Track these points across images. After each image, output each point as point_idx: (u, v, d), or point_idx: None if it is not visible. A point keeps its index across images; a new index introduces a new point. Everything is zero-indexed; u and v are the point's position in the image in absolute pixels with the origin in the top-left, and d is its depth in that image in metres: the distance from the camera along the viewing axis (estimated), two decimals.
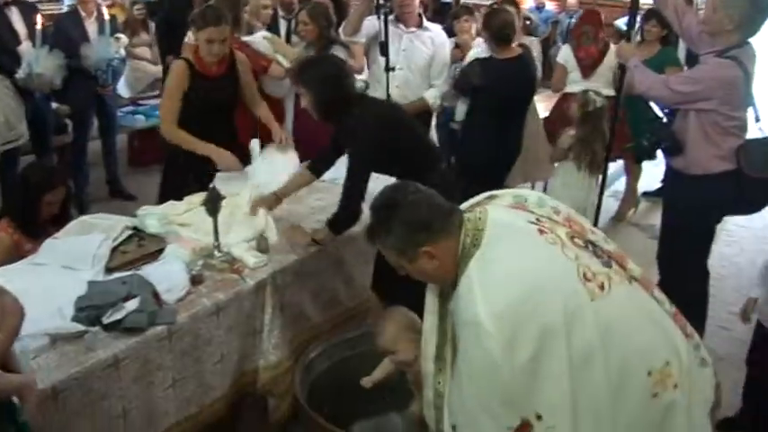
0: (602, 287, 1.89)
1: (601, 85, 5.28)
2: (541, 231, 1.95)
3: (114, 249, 2.95)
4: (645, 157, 5.40)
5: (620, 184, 6.20)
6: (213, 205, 2.95)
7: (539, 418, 1.82)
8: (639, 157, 5.41)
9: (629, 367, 1.86)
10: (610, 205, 5.94)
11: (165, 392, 2.53)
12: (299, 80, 3.18)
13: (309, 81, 3.09)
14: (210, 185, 3.07)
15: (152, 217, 3.17)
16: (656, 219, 5.73)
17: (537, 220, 1.99)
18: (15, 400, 1.78)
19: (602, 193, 4.51)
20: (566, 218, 2.06)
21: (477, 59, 4.59)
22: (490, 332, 1.77)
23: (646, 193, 6.20)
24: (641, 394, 1.88)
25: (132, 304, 2.46)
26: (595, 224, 4.95)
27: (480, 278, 1.86)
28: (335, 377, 2.58)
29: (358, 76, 5.34)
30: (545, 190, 5.18)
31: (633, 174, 5.91)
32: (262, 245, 3.09)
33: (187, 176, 3.63)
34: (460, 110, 4.91)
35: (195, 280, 2.78)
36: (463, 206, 2.09)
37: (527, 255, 1.91)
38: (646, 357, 1.88)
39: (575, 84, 5.52)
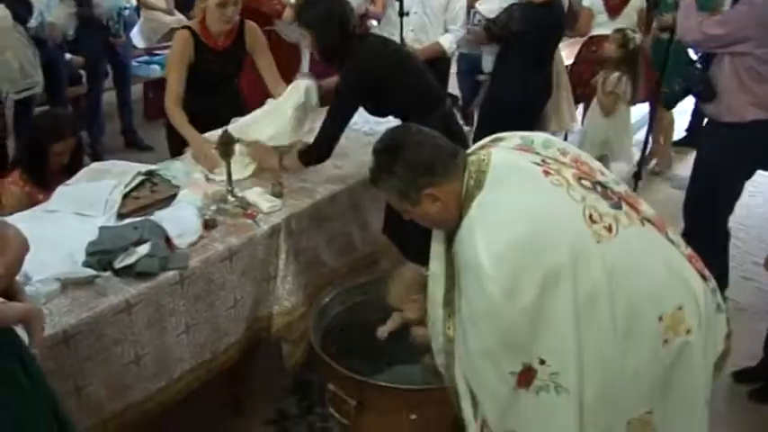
0: (609, 229, 1.83)
1: (625, 26, 5.14)
2: (546, 173, 1.89)
3: (126, 195, 2.90)
4: (673, 103, 5.31)
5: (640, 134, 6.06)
6: (226, 149, 2.90)
7: (542, 362, 1.78)
8: (668, 103, 5.28)
9: (637, 312, 1.80)
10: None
11: (179, 338, 2.50)
12: (300, 20, 3.08)
13: (310, 21, 3.00)
14: (223, 129, 2.99)
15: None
16: (680, 169, 5.69)
17: (542, 161, 1.93)
18: (23, 335, 1.73)
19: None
20: (573, 159, 1.99)
21: (515, 4, 4.49)
22: (490, 274, 1.73)
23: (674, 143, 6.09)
24: (651, 340, 1.82)
25: (144, 249, 2.42)
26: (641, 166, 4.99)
27: (481, 220, 1.81)
28: (349, 322, 2.54)
29: (374, 22, 5.27)
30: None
31: (661, 124, 5.74)
32: (276, 189, 3.03)
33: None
34: (487, 60, 4.83)
35: (208, 225, 2.74)
36: (469, 150, 2.03)
37: (530, 196, 1.85)
38: (656, 301, 1.82)
39: (602, 26, 5.43)
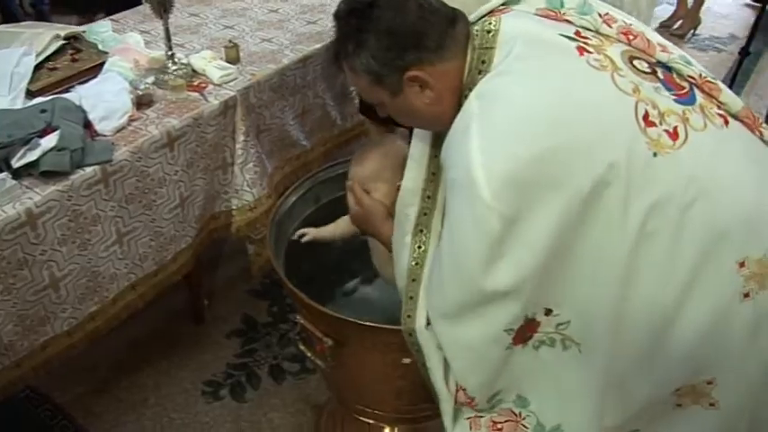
0: (674, 134, 1.23)
1: None
2: (583, 50, 1.28)
3: (40, 66, 2.27)
4: None
5: None
6: (162, 2, 2.25)
7: (548, 312, 1.28)
8: None
9: (708, 253, 1.23)
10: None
11: (109, 251, 1.97)
12: None
13: None
14: None
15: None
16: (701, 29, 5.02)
17: (577, 33, 1.32)
18: None
19: None
20: (623, 30, 1.36)
21: None
22: (487, 200, 1.16)
23: None
24: (724, 292, 1.26)
25: (50, 141, 1.84)
26: None
27: (481, 118, 1.21)
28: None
29: None
30: None
31: None
32: (231, 53, 2.42)
33: None
34: None
35: (141, 102, 2.14)
36: (472, 16, 1.39)
37: (555, 84, 1.24)
38: (740, 239, 1.24)
39: None
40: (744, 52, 3.62)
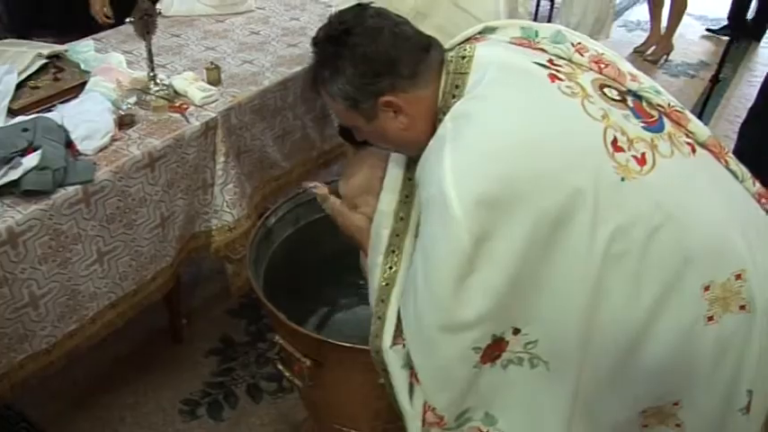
0: (642, 160, 1.27)
1: None
2: (554, 77, 1.33)
3: (22, 85, 2.29)
4: None
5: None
6: (145, 24, 2.28)
7: (516, 332, 1.31)
8: None
9: (675, 278, 1.27)
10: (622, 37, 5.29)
11: (90, 269, 1.98)
12: None
13: None
14: None
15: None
16: (674, 55, 5.14)
17: (550, 62, 1.37)
18: None
19: None
20: (594, 58, 1.42)
21: None
22: (459, 218, 1.20)
23: (710, 30, 5.55)
24: (688, 315, 1.30)
25: (32, 160, 1.86)
26: None
27: (455, 139, 1.25)
28: (302, 246, 2.02)
29: None
30: None
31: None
32: (212, 75, 2.45)
33: None
34: None
35: (123, 122, 2.16)
36: (448, 44, 1.45)
37: (527, 108, 1.29)
38: (705, 264, 1.28)
39: None
40: (714, 79, 3.71)
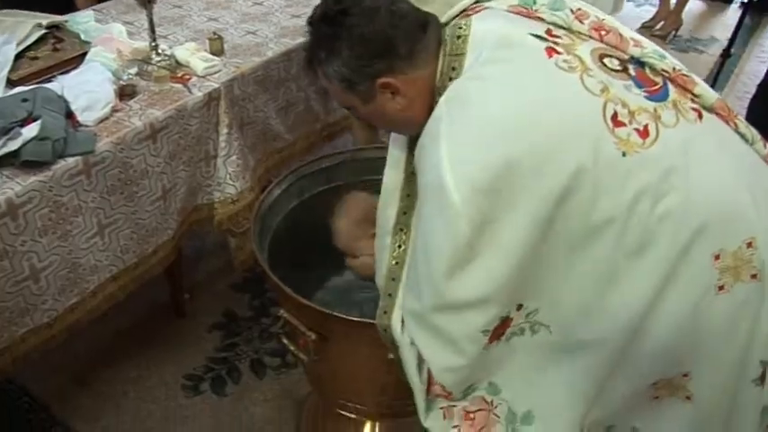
0: (644, 132, 1.22)
1: None
2: (552, 51, 1.27)
3: (21, 55, 2.24)
4: None
5: None
6: None
7: (519, 307, 1.29)
8: None
9: (684, 248, 1.24)
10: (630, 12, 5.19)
11: (91, 242, 1.95)
12: None
13: None
14: None
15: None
16: (682, 30, 5.07)
17: (548, 32, 1.31)
18: None
19: None
20: (595, 26, 1.36)
21: None
22: (458, 206, 1.16)
23: None
24: (698, 284, 1.26)
25: (31, 130, 1.82)
26: None
27: (450, 123, 1.22)
28: (306, 218, 1.98)
29: None
30: None
31: None
32: (215, 45, 2.40)
33: None
34: None
35: (124, 93, 2.12)
36: (445, 16, 1.40)
37: (523, 88, 1.24)
38: (715, 232, 1.24)
39: None
40: (725, 54, 3.65)
